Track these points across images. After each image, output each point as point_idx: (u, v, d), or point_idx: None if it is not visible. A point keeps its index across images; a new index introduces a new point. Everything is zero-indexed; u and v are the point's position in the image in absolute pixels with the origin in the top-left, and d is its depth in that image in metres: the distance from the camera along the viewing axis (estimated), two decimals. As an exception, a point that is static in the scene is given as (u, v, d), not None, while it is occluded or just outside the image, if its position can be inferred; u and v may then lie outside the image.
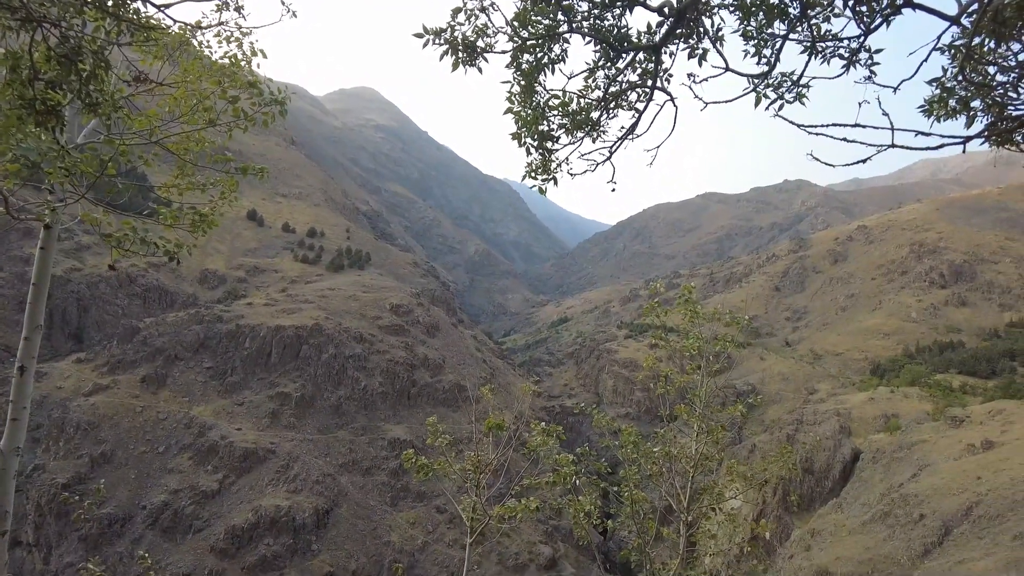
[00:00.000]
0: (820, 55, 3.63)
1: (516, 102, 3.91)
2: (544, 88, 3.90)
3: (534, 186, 4.23)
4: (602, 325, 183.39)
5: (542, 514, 79.72)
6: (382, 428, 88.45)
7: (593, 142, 3.95)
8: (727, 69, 3.58)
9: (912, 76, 3.53)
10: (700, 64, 3.77)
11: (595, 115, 3.83)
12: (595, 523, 9.05)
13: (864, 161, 3.11)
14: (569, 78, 3.81)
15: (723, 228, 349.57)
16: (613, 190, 4.31)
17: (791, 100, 3.88)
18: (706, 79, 3.79)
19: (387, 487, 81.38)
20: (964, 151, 3.28)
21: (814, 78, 3.61)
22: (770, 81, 3.77)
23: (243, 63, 5.73)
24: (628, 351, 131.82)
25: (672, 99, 3.83)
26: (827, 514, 68.54)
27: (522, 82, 3.82)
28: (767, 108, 4.06)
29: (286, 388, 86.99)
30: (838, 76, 3.50)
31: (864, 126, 3.03)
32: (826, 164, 2.81)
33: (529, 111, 3.90)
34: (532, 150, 3.94)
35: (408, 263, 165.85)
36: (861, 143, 3.04)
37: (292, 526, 68.89)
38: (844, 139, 2.89)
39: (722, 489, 8.90)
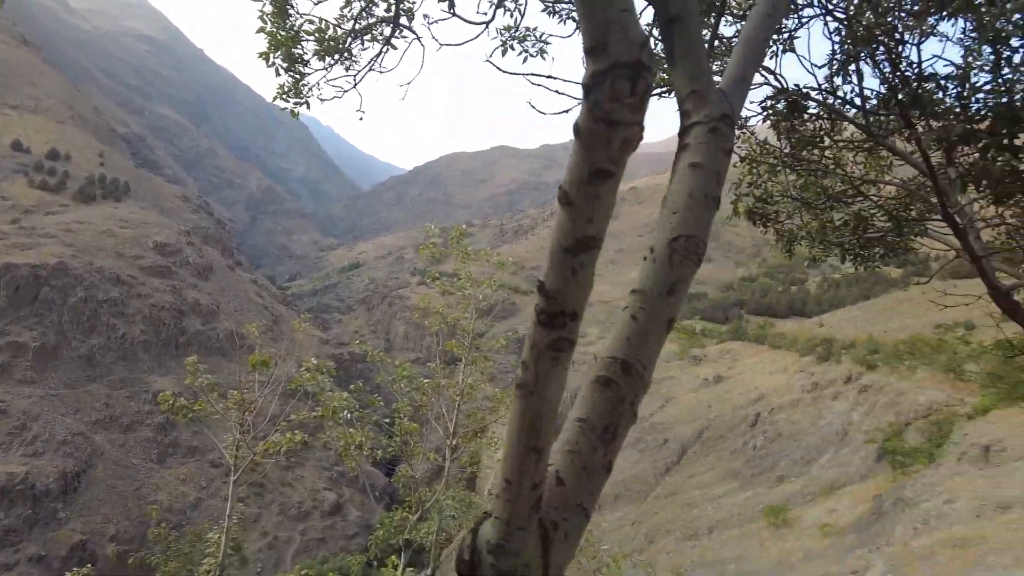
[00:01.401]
0: (557, 15, 4.10)
1: (269, 22, 3.84)
2: (297, 12, 3.88)
3: (285, 108, 4.21)
4: (395, 271, 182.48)
5: (327, 461, 78.81)
6: (145, 380, 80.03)
7: (347, 70, 4.03)
8: (453, 14, 3.88)
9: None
10: (451, 7, 4.02)
11: (348, 43, 3.91)
12: (368, 455, 9.35)
13: (567, 111, 3.61)
14: (316, 2, 3.84)
15: (514, 182, 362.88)
16: (361, 119, 4.43)
17: (534, 54, 4.32)
18: (436, 21, 4.05)
19: (153, 443, 74.46)
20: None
21: (551, 35, 4.06)
22: (516, 35, 4.16)
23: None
24: (420, 297, 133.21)
25: (418, 38, 4.05)
26: (591, 443, 76.96)
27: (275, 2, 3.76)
28: (519, 56, 4.48)
29: (20, 337, 74.36)
30: (569, 36, 3.98)
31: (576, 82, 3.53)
32: (539, 112, 3.22)
33: (283, 32, 3.86)
34: (282, 71, 3.91)
35: (176, 196, 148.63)
36: (573, 97, 3.54)
37: (31, 494, 60.22)
38: (556, 91, 3.34)
39: (485, 415, 9.72)
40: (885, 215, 3.90)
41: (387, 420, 9.73)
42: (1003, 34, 2.63)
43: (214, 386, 8.65)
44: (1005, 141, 2.72)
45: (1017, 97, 2.85)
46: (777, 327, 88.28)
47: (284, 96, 4.04)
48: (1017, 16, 2.84)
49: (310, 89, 4.02)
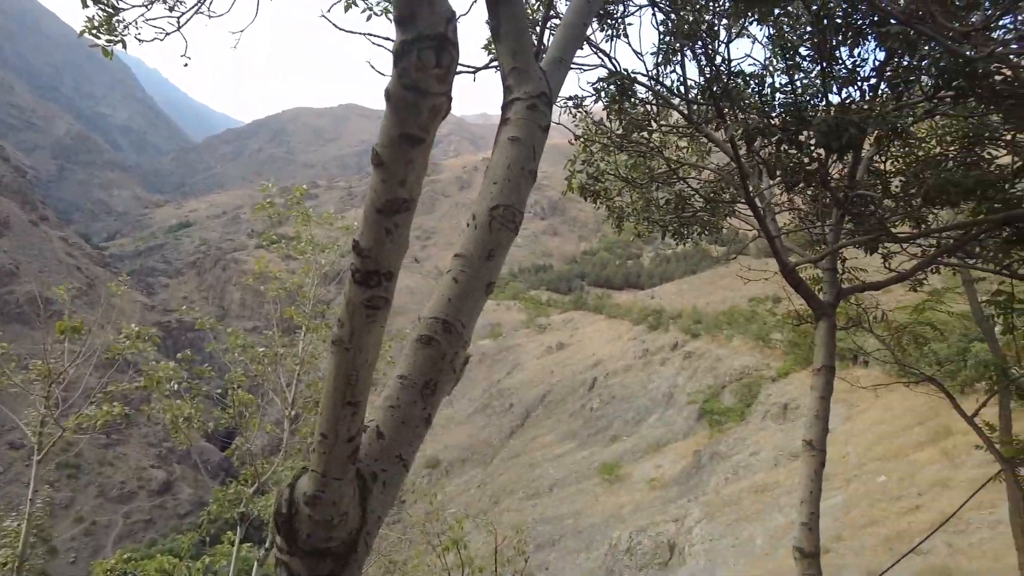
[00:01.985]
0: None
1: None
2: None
3: (95, 45, 3.74)
4: (230, 232, 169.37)
5: (154, 437, 72.69)
6: (-78, 352, 68.29)
7: (170, 10, 3.65)
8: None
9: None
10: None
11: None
12: (198, 428, 8.77)
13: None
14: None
15: (365, 143, 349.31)
16: (186, 65, 4.07)
17: (379, 13, 4.21)
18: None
19: (-70, 425, 64.27)
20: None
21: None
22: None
23: None
24: (256, 261, 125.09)
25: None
26: (441, 410, 77.45)
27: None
28: (363, 13, 4.33)
29: None
30: None
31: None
32: (380, 73, 3.14)
33: (90, -41, 3.41)
34: (90, 2, 3.45)
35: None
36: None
37: None
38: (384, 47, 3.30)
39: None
40: (702, 197, 4.32)
41: (219, 392, 9.17)
42: (790, 44, 3.01)
43: (11, 357, 7.63)
44: (793, 137, 3.11)
45: (804, 99, 3.26)
46: (614, 298, 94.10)
47: (93, 31, 3.57)
48: (809, 29, 3.23)
49: (126, 27, 3.59)
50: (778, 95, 3.22)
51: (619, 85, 3.40)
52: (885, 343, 4.53)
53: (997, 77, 2.36)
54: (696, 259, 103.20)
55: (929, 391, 5.23)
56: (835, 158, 3.29)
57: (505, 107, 1.57)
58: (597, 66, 3.97)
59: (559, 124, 3.98)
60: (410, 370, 1.38)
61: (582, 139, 4.04)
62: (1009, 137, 3.20)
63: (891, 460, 21.20)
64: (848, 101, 3.07)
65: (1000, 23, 2.88)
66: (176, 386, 8.35)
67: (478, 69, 3.54)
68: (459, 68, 3.73)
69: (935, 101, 2.93)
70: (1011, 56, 2.40)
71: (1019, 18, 3.07)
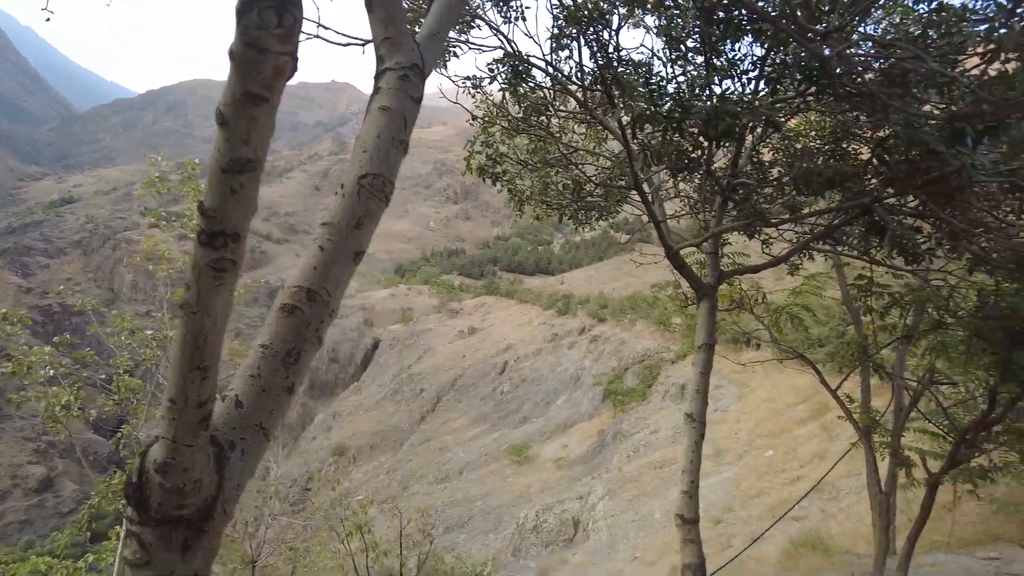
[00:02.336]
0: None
1: None
2: None
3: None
4: (121, 210, 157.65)
5: (31, 431, 67.21)
6: None
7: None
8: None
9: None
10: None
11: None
12: (78, 416, 8.17)
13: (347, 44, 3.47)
14: None
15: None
16: (48, 20, 3.73)
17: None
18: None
19: None
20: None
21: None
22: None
23: None
24: (152, 241, 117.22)
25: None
26: (348, 397, 76.22)
27: None
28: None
29: None
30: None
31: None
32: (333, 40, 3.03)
33: None
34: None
35: None
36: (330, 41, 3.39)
37: None
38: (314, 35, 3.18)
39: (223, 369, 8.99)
40: (594, 183, 4.45)
41: (103, 378, 8.58)
42: (677, 35, 3.15)
43: None
44: (678, 124, 3.26)
45: (690, 89, 3.41)
46: (526, 283, 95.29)
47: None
48: (695, 23, 3.38)
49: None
50: (665, 85, 3.35)
51: (514, 67, 3.44)
52: (763, 324, 4.86)
53: (856, 78, 2.57)
54: (604, 246, 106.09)
55: (812, 371, 5.64)
56: (717, 146, 3.48)
57: (377, 77, 1.56)
58: (496, 47, 3.99)
59: (457, 104, 3.98)
60: (272, 339, 1.35)
61: (480, 120, 4.06)
62: (869, 134, 3.48)
63: (777, 436, 22.71)
64: (728, 92, 3.24)
65: (860, 27, 3.12)
66: (52, 372, 7.74)
67: (367, 42, 3.46)
68: (349, 41, 3.65)
69: (804, 97, 3.15)
70: (861, 57, 2.62)
71: (879, 25, 3.34)
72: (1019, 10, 2.12)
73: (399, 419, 65.42)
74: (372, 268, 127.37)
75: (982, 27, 2.25)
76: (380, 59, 1.55)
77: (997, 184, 2.78)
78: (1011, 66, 2.17)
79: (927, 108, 2.80)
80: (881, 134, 2.95)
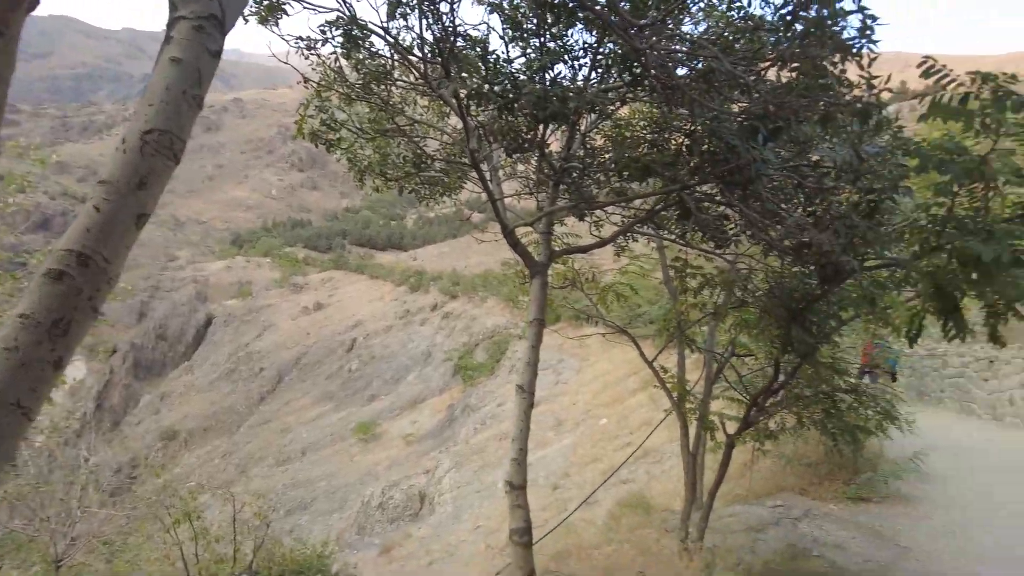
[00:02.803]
0: None
1: None
2: None
3: None
4: None
5: None
6: None
7: None
8: None
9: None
10: None
11: None
12: None
13: None
14: None
15: (86, 65, 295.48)
16: None
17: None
18: None
19: None
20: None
21: None
22: None
23: None
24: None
25: None
26: (178, 377, 70.40)
27: None
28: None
29: None
30: None
31: None
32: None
33: None
34: None
35: None
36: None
37: None
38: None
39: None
40: (431, 158, 4.43)
41: None
42: (514, 16, 3.22)
43: None
44: (511, 104, 3.31)
45: (524, 70, 3.48)
46: (377, 258, 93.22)
47: None
48: (533, 6, 3.43)
49: None
50: (503, 64, 3.39)
51: (347, 32, 3.30)
52: (591, 300, 5.17)
53: (667, 73, 2.77)
54: (457, 223, 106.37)
55: (644, 344, 6.07)
56: (546, 128, 3.59)
57: (169, 25, 1.41)
58: (334, 10, 3.81)
59: (287, 64, 3.77)
60: (34, 308, 1.19)
61: (312, 83, 3.86)
62: (686, 126, 3.77)
63: (612, 405, 24.32)
64: (560, 77, 3.36)
65: (681, 25, 3.36)
66: None
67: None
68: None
69: (627, 87, 3.34)
70: (677, 54, 2.83)
71: (697, 27, 3.61)
72: (797, 25, 2.40)
73: (236, 400, 61.71)
74: (206, 238, 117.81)
75: (772, 37, 2.51)
76: (173, 6, 1.41)
77: (786, 179, 3.14)
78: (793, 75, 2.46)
79: (735, 107, 3.08)
80: (692, 127, 3.22)
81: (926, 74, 2.36)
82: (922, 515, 7.03)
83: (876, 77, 2.43)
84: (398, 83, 4.03)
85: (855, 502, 7.28)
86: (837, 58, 2.40)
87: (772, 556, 4.62)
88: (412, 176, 4.66)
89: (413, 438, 38.72)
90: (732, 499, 7.66)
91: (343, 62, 3.66)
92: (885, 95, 2.49)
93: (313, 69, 4.27)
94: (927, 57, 2.37)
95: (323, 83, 4.11)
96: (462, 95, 3.23)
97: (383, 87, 4.22)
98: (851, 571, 4.92)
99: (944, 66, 2.35)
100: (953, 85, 2.34)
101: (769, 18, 2.59)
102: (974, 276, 2.46)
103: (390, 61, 3.85)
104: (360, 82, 4.15)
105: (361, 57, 3.78)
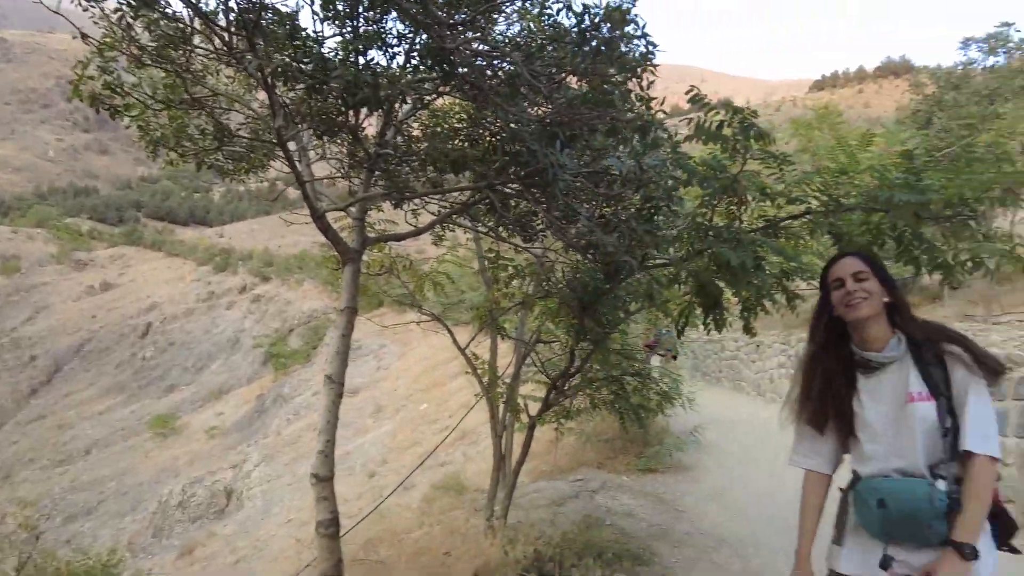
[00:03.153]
0: None
1: None
2: None
3: None
4: None
5: None
6: None
7: None
8: None
9: None
10: None
11: None
12: None
13: None
14: None
15: None
16: None
17: None
18: None
19: None
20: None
21: None
22: None
23: None
24: None
25: None
26: (-84, 369, 59.17)
27: None
28: None
29: None
30: None
31: None
32: None
33: None
34: None
35: None
36: None
37: None
38: None
39: None
40: (233, 135, 4.16)
41: None
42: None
43: None
44: (320, 86, 3.23)
45: (337, 52, 3.40)
46: (177, 234, 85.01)
47: None
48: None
49: None
50: (312, 43, 3.28)
51: (130, -9, 2.98)
52: (407, 287, 5.20)
53: (474, 72, 2.88)
54: (270, 200, 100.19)
55: (462, 331, 6.21)
56: (356, 113, 3.54)
57: None
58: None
59: (59, 14, 3.33)
60: None
61: (93, 41, 3.42)
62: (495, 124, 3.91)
63: (432, 390, 24.61)
64: (374, 63, 3.32)
65: (494, 25, 3.48)
66: None
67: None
68: None
69: (439, 81, 3.40)
70: (480, 54, 2.95)
71: (511, 28, 3.75)
72: (591, 42, 2.62)
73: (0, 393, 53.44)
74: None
75: (573, 48, 2.72)
76: None
77: (582, 183, 3.41)
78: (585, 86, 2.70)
79: (538, 111, 3.27)
80: (496, 128, 3.37)
81: (692, 101, 2.73)
82: (696, 480, 8.05)
83: (653, 99, 2.74)
84: (197, 50, 3.71)
85: (644, 473, 8.12)
86: (622, 77, 2.66)
87: (570, 527, 5.02)
88: (213, 151, 4.33)
89: (218, 431, 36.30)
90: (538, 475, 8.16)
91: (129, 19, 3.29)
92: (660, 115, 2.81)
93: (95, 22, 3.79)
94: (693, 87, 2.74)
95: (107, 41, 3.66)
96: (267, 71, 3.08)
97: (180, 52, 3.86)
98: (638, 536, 5.49)
99: (706, 95, 2.74)
100: (711, 113, 2.73)
101: (571, 30, 2.79)
102: (728, 277, 2.90)
103: (189, 27, 3.53)
104: (153, 44, 3.76)
105: (154, 18, 3.43)
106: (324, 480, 3.73)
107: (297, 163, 3.67)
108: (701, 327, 3.72)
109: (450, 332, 5.08)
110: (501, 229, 4.50)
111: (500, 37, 3.07)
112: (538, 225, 4.23)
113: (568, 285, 3.96)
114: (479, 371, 4.99)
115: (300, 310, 51.06)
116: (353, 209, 4.16)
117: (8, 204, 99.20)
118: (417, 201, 4.62)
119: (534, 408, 5.00)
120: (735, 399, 15.22)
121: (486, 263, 5.12)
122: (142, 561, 21.50)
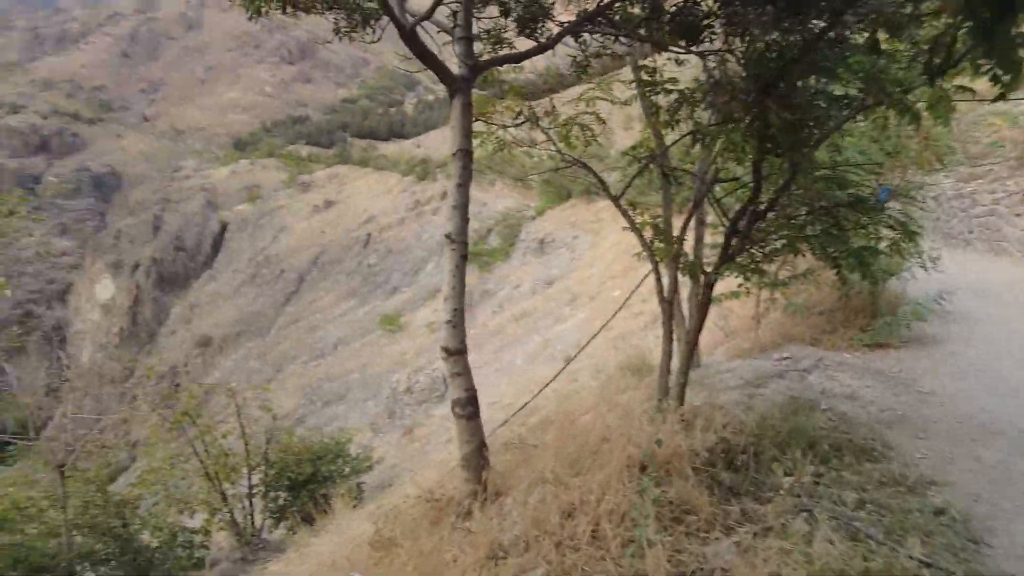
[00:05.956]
0: None
1: None
2: None
3: None
4: None
5: None
6: None
7: None
8: None
9: None
10: None
11: None
12: None
13: None
14: None
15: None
16: None
17: None
18: None
19: None
20: None
21: None
22: None
23: None
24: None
25: None
26: (203, 286, 71.71)
27: None
28: None
29: None
30: None
31: None
32: None
33: None
34: None
35: None
36: None
37: None
38: None
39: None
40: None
41: None
42: None
43: None
44: None
45: None
46: (380, 149, 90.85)
47: None
48: None
49: None
50: None
51: None
52: (549, 136, 4.29)
53: None
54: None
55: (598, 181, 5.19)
56: None
57: None
58: None
59: None
60: None
61: None
62: None
63: (624, 275, 23.79)
64: None
65: None
66: None
67: None
68: None
69: None
70: None
71: None
72: None
73: (262, 303, 62.94)
74: (208, 144, 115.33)
75: None
76: None
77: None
78: None
79: None
80: None
81: None
82: (944, 356, 6.40)
83: None
84: None
85: (872, 349, 6.64)
86: None
87: (770, 411, 4.02)
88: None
89: (436, 326, 39.26)
90: (736, 354, 7.08)
91: None
92: None
93: None
94: None
95: None
96: None
97: None
98: (862, 422, 4.33)
99: None
100: None
101: None
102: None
103: None
104: None
105: None
106: (456, 353, 3.12)
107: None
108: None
109: (599, 179, 4.11)
110: (657, 33, 3.34)
111: None
112: (703, 21, 3.04)
113: (744, 67, 2.75)
114: (639, 225, 3.99)
115: (495, 210, 52.33)
116: (458, 26, 3.28)
117: (244, 140, 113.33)
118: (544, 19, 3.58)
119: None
120: (993, 264, 12.30)
121: (642, 88, 3.99)
122: (379, 438, 24.26)
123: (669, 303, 3.87)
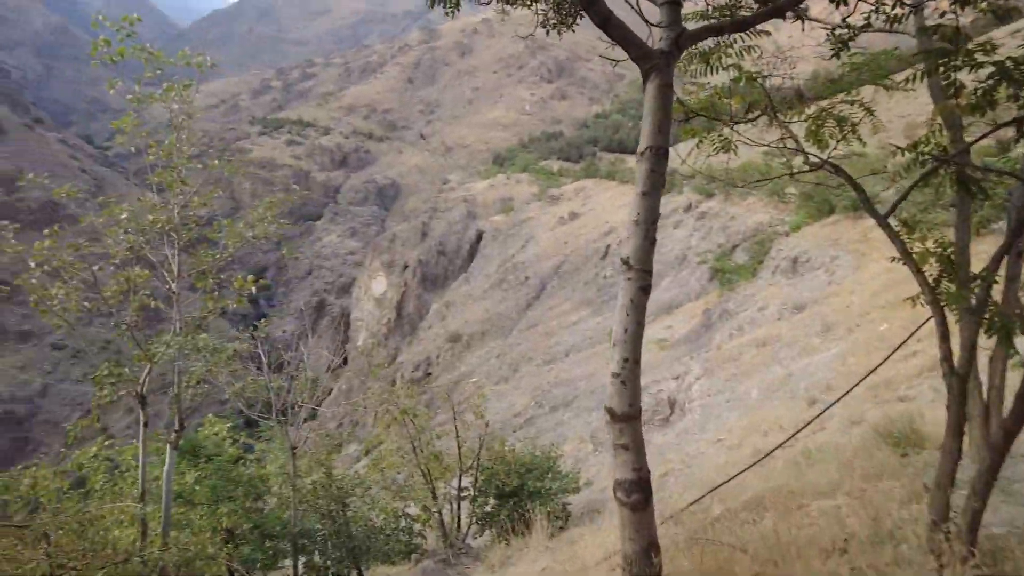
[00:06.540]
0: None
1: None
2: None
3: None
4: (231, 121, 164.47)
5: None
6: (-63, 265, 70.88)
7: None
8: None
9: None
10: None
11: None
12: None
13: None
14: None
15: (356, 13, 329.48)
16: None
17: None
18: None
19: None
20: None
21: None
22: None
23: None
24: (264, 150, 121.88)
25: None
26: (458, 287, 78.53)
27: None
28: None
29: None
30: None
31: None
32: None
33: None
34: None
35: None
36: None
37: None
38: None
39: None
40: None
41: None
42: None
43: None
44: None
45: None
46: (627, 163, 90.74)
47: None
48: None
49: None
50: None
51: None
52: (791, 133, 3.21)
53: None
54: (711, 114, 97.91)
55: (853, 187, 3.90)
56: None
57: None
58: None
59: None
60: None
61: None
62: None
63: (896, 308, 20.07)
64: None
65: None
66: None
67: None
68: None
69: None
70: None
71: None
72: None
73: (506, 307, 66.69)
74: (472, 159, 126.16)
75: None
76: None
77: None
78: None
79: None
80: None
81: None
82: None
83: None
84: None
85: None
86: None
87: None
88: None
89: (667, 343, 37.67)
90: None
91: None
92: None
93: None
94: None
95: None
96: None
97: None
98: None
99: None
100: None
101: None
102: None
103: None
104: None
105: None
106: (623, 420, 2.31)
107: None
108: None
109: (854, 184, 2.93)
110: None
111: None
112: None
113: None
114: (917, 256, 2.74)
115: (745, 224, 48.84)
116: (657, -12, 2.47)
117: (502, 156, 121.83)
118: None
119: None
120: None
121: (930, 63, 2.76)
122: (597, 455, 23.69)
123: (961, 379, 2.55)
